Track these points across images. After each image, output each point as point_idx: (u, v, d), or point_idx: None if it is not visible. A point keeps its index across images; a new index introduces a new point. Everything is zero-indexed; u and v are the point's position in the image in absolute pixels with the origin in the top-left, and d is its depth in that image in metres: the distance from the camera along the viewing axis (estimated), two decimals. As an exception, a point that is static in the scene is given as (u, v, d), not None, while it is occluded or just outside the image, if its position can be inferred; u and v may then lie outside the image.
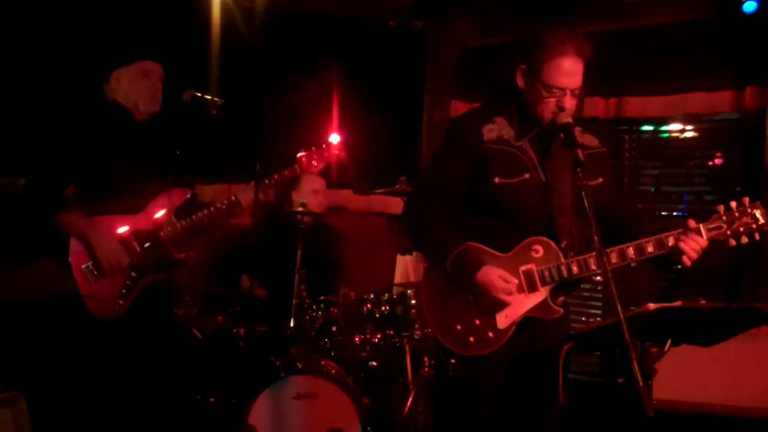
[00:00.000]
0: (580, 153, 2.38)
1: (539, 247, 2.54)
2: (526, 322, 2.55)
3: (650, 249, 2.49)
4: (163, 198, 3.24)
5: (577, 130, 2.58)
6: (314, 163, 3.37)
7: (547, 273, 2.52)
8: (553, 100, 2.47)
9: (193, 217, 3.23)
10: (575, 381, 4.06)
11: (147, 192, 3.23)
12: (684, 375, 3.44)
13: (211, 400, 3.80)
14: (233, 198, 3.26)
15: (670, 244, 2.47)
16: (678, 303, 2.27)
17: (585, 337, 2.55)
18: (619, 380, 2.25)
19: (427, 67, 5.27)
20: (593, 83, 2.55)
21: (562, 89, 2.45)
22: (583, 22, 4.29)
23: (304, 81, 4.92)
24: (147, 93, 3.23)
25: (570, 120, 2.48)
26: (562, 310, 2.57)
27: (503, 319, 2.53)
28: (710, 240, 2.47)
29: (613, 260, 2.48)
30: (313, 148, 3.38)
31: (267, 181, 3.30)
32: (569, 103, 2.48)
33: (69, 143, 3.13)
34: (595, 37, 2.52)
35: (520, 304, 2.53)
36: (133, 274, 3.15)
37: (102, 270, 3.09)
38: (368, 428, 3.49)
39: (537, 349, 2.55)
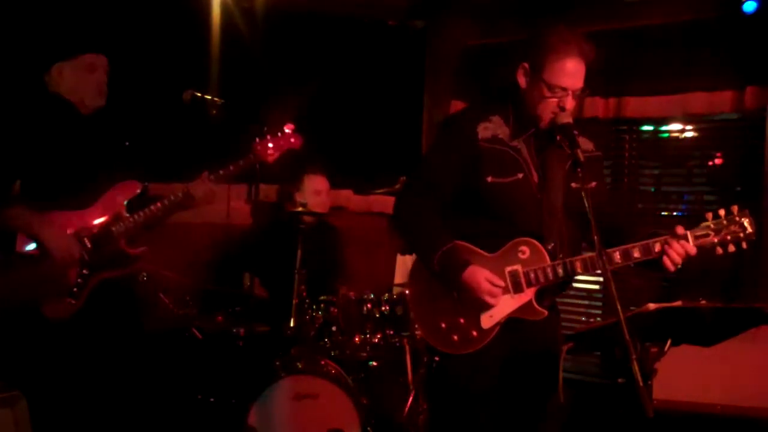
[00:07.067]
0: (580, 153, 2.39)
1: (526, 249, 2.51)
2: (513, 322, 2.53)
3: (636, 254, 2.45)
4: (113, 192, 3.12)
5: (575, 132, 2.58)
6: (270, 150, 3.29)
7: (532, 275, 2.49)
8: (554, 99, 2.47)
9: (146, 210, 3.11)
10: (575, 381, 4.08)
11: (95, 187, 3.10)
12: (684, 375, 3.44)
13: (211, 400, 3.81)
14: (186, 190, 3.14)
15: (656, 250, 2.44)
16: (678, 303, 2.28)
17: (585, 337, 2.55)
18: (619, 380, 2.26)
19: (427, 67, 5.26)
20: (593, 83, 2.55)
21: (565, 89, 2.46)
22: (583, 22, 4.29)
23: (304, 81, 4.92)
24: (92, 88, 3.11)
25: (570, 120, 2.49)
26: (546, 312, 2.53)
27: (487, 319, 2.51)
28: (697, 248, 2.43)
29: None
30: (269, 136, 3.27)
31: (212, 176, 3.15)
32: (570, 104, 2.48)
33: (11, 136, 3.00)
34: (595, 37, 2.52)
35: (505, 305, 2.51)
36: (84, 271, 3.02)
37: (55, 264, 2.95)
38: (368, 428, 3.50)
39: (529, 349, 2.54)
